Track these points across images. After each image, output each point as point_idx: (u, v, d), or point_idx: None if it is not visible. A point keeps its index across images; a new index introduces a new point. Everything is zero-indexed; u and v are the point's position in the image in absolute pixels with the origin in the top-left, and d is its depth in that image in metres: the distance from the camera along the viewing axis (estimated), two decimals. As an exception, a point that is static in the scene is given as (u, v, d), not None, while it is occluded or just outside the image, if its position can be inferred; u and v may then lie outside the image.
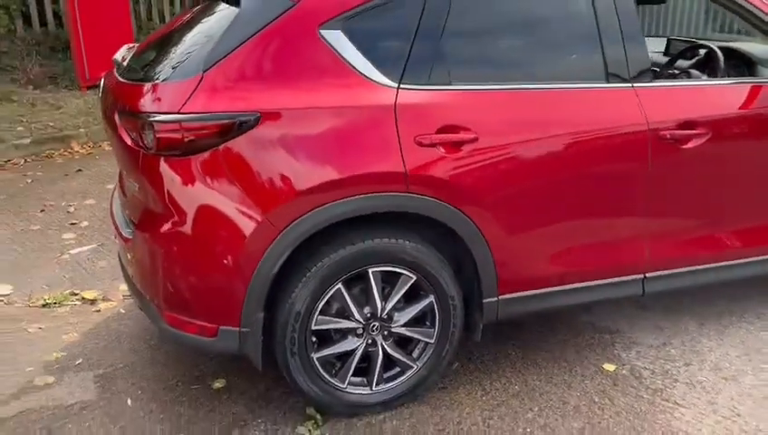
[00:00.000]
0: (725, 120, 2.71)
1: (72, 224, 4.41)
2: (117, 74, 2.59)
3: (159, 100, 2.21)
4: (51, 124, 6.21)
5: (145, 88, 2.29)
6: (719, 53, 3.07)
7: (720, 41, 3.55)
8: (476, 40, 2.48)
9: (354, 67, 2.28)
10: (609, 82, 2.56)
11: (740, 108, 2.75)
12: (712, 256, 2.86)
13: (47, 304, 3.38)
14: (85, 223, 4.42)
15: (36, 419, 2.52)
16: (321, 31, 2.27)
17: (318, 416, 2.52)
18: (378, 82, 2.29)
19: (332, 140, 2.24)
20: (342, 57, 2.27)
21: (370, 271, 2.38)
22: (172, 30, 2.73)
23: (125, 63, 2.66)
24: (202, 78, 2.18)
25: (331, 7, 2.29)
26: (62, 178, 5.34)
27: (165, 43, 2.57)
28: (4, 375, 2.78)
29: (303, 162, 2.21)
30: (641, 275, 2.78)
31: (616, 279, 2.75)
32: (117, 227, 2.63)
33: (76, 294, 3.47)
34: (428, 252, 2.43)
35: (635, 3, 2.61)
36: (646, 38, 2.72)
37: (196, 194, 2.20)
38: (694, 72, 3.11)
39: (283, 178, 2.20)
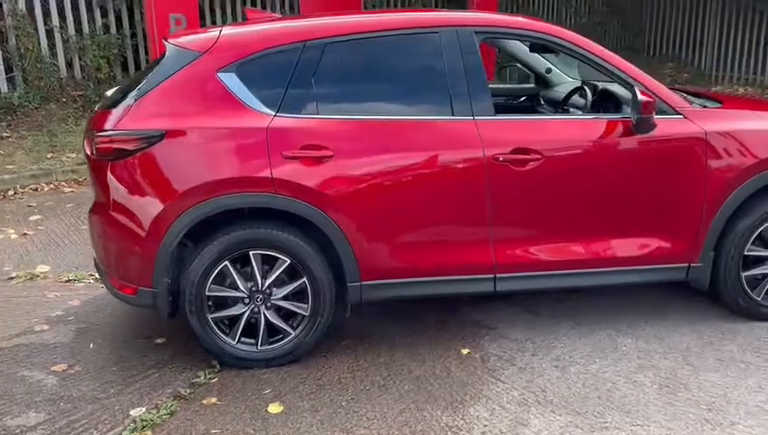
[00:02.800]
0: (560, 147, 3.24)
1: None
2: (97, 106, 3.58)
3: (103, 121, 3.15)
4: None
5: (99, 114, 3.25)
6: (587, 92, 3.60)
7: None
8: (341, 82, 3.24)
9: (242, 100, 3.11)
10: (454, 115, 3.20)
11: (574, 137, 3.28)
12: (557, 264, 3.35)
13: (69, 280, 4.41)
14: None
15: (24, 350, 3.48)
16: (219, 74, 3.12)
17: (218, 366, 3.28)
18: (259, 111, 3.10)
19: (218, 151, 3.07)
20: (233, 93, 3.11)
21: (251, 253, 3.15)
22: (138, 74, 3.70)
23: (107, 97, 3.65)
24: (131, 106, 3.09)
25: (228, 57, 3.14)
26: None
27: (130, 83, 3.52)
28: (17, 321, 3.79)
29: (194, 167, 3.06)
30: (492, 275, 3.33)
31: (468, 276, 3.33)
32: (93, 216, 3.58)
33: (92, 275, 4.48)
34: (299, 241, 3.16)
35: (480, 61, 3.24)
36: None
37: (122, 188, 3.10)
38: (573, 108, 3.66)
39: (180, 178, 3.05)
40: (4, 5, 7.36)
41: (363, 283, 3.26)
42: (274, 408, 2.94)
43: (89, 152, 3.21)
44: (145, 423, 2.83)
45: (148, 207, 3.07)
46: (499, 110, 3.43)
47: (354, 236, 3.17)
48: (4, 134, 7.29)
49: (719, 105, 3.61)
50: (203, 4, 8.82)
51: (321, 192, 3.09)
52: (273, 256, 3.18)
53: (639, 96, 3.11)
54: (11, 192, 6.32)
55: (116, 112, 3.15)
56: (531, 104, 4.57)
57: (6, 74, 7.50)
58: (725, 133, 3.31)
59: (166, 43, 3.29)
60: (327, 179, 3.10)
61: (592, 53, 3.33)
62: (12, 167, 6.70)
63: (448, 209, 3.24)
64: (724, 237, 3.43)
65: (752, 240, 3.44)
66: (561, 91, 4.37)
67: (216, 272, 3.15)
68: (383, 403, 2.96)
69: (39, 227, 5.45)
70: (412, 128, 3.20)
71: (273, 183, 3.06)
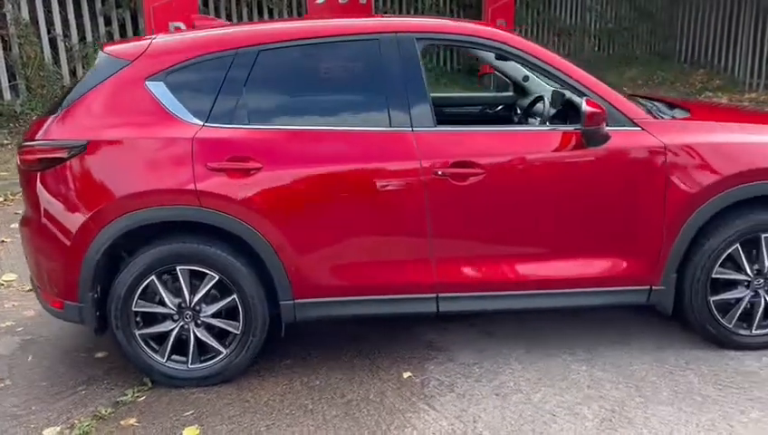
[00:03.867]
0: (505, 160, 3.04)
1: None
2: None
3: (34, 131, 3.08)
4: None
5: (34, 123, 3.18)
6: (546, 101, 3.39)
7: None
8: (274, 91, 3.11)
9: (169, 109, 3.00)
10: (391, 126, 3.03)
11: (520, 150, 3.06)
12: (504, 285, 3.14)
13: (30, 290, 4.38)
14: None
15: (-38, 361, 3.45)
16: (147, 83, 3.02)
17: (149, 383, 3.18)
18: (186, 121, 2.99)
19: (141, 163, 2.96)
20: (161, 102, 3.00)
21: (178, 268, 3.04)
22: (75, 82, 3.63)
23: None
24: (58, 116, 3.02)
25: (156, 65, 3.04)
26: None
27: (66, 91, 3.45)
28: (-34, 332, 3.77)
29: (117, 178, 2.96)
30: (434, 295, 3.14)
31: (409, 295, 3.15)
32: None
33: (55, 285, 4.43)
34: (228, 257, 3.03)
35: (421, 69, 3.07)
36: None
37: (47, 200, 3.01)
38: (532, 118, 3.45)
39: (102, 190, 2.95)
40: (8, 14, 7.47)
41: (296, 301, 3.11)
42: (190, 432, 2.81)
43: (18, 162, 3.15)
44: (54, 444, 2.74)
45: (72, 219, 2.98)
46: (465, 120, 3.25)
47: (285, 252, 3.02)
48: (5, 141, 7.39)
49: (687, 116, 3.36)
50: (205, 12, 8.84)
51: (248, 206, 2.96)
52: (203, 272, 3.06)
53: (584, 106, 2.90)
54: (1, 199, 6.37)
55: (47, 122, 3.08)
56: (507, 114, 4.37)
57: (9, 82, 7.60)
58: (687, 147, 3.06)
59: (100, 51, 3.21)
60: (255, 192, 2.96)
61: (543, 61, 3.12)
62: (6, 174, 6.77)
63: (386, 225, 3.07)
64: (689, 259, 3.17)
65: (720, 262, 3.17)
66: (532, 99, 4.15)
67: (142, 287, 3.04)
68: (303, 430, 2.80)
69: (17, 235, 5.47)
70: (346, 139, 3.04)
71: (197, 196, 2.93)
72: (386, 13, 10.79)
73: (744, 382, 3.02)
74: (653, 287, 3.19)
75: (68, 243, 2.99)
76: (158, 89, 3.02)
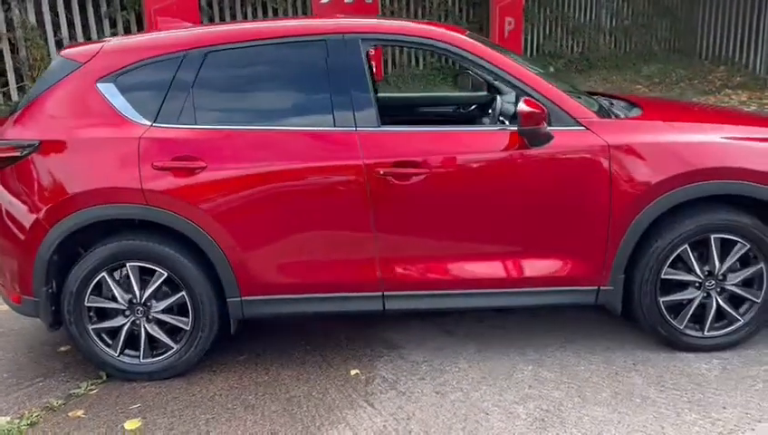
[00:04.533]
0: (447, 160, 3.05)
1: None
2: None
3: (-5, 132, 3.19)
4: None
5: (-3, 123, 3.29)
6: (498, 101, 3.39)
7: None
8: (222, 91, 3.15)
9: (119, 110, 3.08)
10: (336, 126, 3.07)
11: (463, 149, 3.07)
12: (448, 283, 3.15)
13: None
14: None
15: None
16: (98, 84, 3.10)
17: (104, 377, 3.27)
18: (135, 122, 3.07)
19: (91, 162, 3.05)
20: (111, 103, 3.09)
21: (128, 265, 3.12)
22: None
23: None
24: (14, 116, 3.12)
25: (107, 67, 3.12)
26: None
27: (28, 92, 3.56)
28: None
29: (68, 177, 3.05)
30: (380, 293, 3.17)
31: (355, 294, 3.18)
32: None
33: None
34: (176, 254, 3.10)
35: (366, 70, 3.10)
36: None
37: (3, 198, 3.12)
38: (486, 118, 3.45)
39: (53, 188, 3.05)
40: (15, 18, 7.67)
41: (244, 298, 3.16)
42: (131, 424, 2.89)
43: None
44: (1, 433, 2.84)
45: (26, 216, 3.08)
46: (431, 119, 3.22)
47: (231, 250, 3.08)
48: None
49: (638, 115, 3.33)
50: (209, 14, 8.97)
51: (193, 204, 3.02)
52: (153, 269, 3.13)
53: (520, 106, 2.89)
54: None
55: (3, 122, 3.19)
56: (481, 113, 4.35)
57: (17, 84, 7.81)
58: (631, 146, 3.03)
59: (58, 54, 3.30)
60: (200, 191, 3.02)
61: (488, 62, 3.11)
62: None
63: (330, 224, 3.10)
64: (638, 260, 3.14)
65: (669, 263, 3.14)
66: (510, 99, 4.14)
67: (94, 282, 3.13)
68: (240, 425, 2.85)
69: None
70: (291, 138, 3.08)
71: (143, 194, 3.01)
72: (393, 12, 10.80)
73: (689, 384, 2.98)
74: (601, 288, 3.17)
75: (22, 239, 3.10)
76: (109, 90, 3.10)
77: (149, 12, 7.77)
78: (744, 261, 3.18)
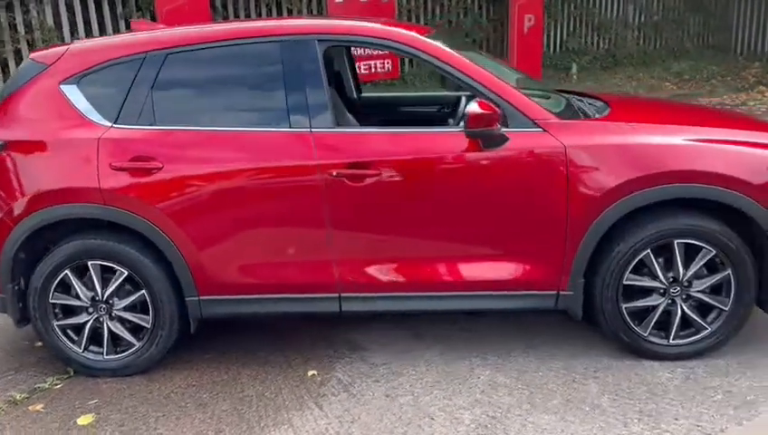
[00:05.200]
0: (401, 161, 3.02)
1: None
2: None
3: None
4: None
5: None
6: (462, 102, 3.34)
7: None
8: (181, 93, 3.20)
9: (80, 111, 3.14)
10: (291, 127, 3.07)
11: (417, 151, 3.03)
12: (405, 286, 3.12)
13: None
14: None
15: None
16: (62, 86, 3.17)
17: (71, 373, 3.34)
18: (96, 123, 3.13)
19: (52, 162, 3.13)
20: (73, 104, 3.15)
21: (89, 263, 3.18)
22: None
23: None
24: (-16, 118, 3.23)
25: (70, 69, 3.19)
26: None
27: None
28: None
29: (31, 177, 3.14)
30: (337, 295, 3.17)
31: (312, 295, 3.18)
32: None
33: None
34: (135, 253, 3.15)
35: (321, 71, 3.08)
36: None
37: (-27, 197, 3.22)
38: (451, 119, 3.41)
39: (17, 187, 3.13)
40: (33, 20, 7.90)
41: (202, 298, 3.19)
42: (84, 419, 2.95)
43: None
44: (-39, 425, 2.94)
45: (-8, 215, 3.18)
46: (414, 120, 3.18)
47: (188, 249, 3.11)
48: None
49: (603, 115, 3.24)
50: (223, 14, 9.08)
51: (149, 204, 3.06)
52: (114, 268, 3.19)
53: (469, 108, 2.85)
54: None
55: (-24, 123, 3.29)
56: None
57: (36, 83, 8.05)
58: (589, 149, 2.95)
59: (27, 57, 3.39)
60: (156, 191, 3.06)
61: (441, 60, 3.07)
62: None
63: (286, 225, 3.11)
64: (599, 264, 3.06)
65: (631, 268, 3.05)
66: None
67: (57, 280, 3.20)
68: (188, 423, 2.89)
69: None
70: (246, 139, 3.09)
71: (101, 194, 3.07)
72: (410, 11, 10.76)
73: (645, 394, 2.90)
74: (560, 292, 3.10)
75: (-12, 238, 3.20)
76: (72, 92, 3.16)
77: (161, 12, 7.91)
78: (712, 268, 3.08)
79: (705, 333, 3.12)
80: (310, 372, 3.24)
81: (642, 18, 13.46)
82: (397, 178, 3.03)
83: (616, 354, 3.22)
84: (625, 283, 3.07)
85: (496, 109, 2.89)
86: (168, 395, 3.12)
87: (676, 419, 2.71)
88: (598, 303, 3.10)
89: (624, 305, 3.10)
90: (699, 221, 3.00)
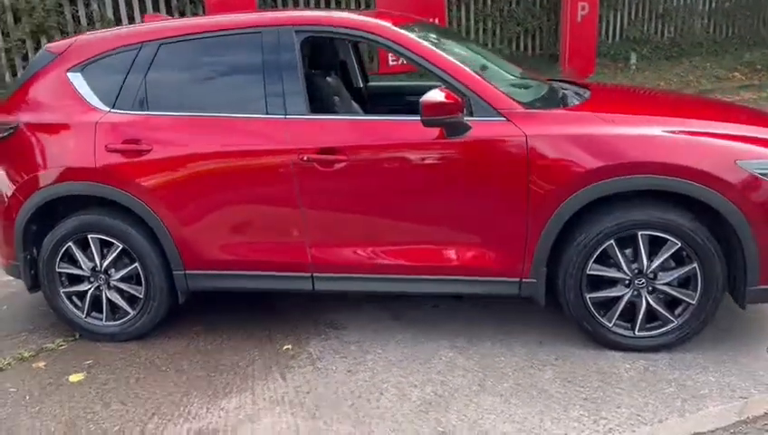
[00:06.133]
0: (367, 148, 3.14)
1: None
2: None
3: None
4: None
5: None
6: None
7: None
8: (170, 81, 3.42)
9: (84, 97, 3.44)
10: (268, 113, 3.25)
11: (382, 138, 3.15)
12: (373, 268, 3.25)
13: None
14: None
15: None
16: (68, 73, 3.47)
17: (77, 336, 3.67)
18: (96, 108, 3.41)
19: (58, 143, 3.44)
20: (78, 90, 3.45)
21: (89, 236, 3.48)
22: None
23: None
24: (5, 101, 3.57)
25: (75, 57, 3.49)
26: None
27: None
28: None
29: (39, 156, 3.45)
30: (309, 274, 3.34)
31: (287, 273, 3.36)
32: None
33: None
34: (129, 228, 3.42)
35: (298, 60, 3.24)
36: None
37: (-7, 173, 3.58)
38: None
39: (28, 165, 3.47)
40: (94, 13, 8.44)
41: (187, 272, 3.44)
42: (75, 377, 3.25)
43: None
44: (-28, 375, 3.30)
45: (8, 189, 3.52)
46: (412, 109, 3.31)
47: (173, 226, 3.36)
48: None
49: (576, 104, 3.24)
50: (272, 5, 9.36)
51: (138, 183, 3.32)
52: (111, 241, 3.48)
53: (424, 97, 2.93)
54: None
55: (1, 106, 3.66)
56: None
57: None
58: (550, 138, 2.98)
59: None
60: (144, 172, 3.32)
61: (411, 51, 3.16)
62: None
63: (261, 207, 3.30)
64: (562, 253, 3.09)
65: (595, 258, 3.06)
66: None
67: (62, 250, 3.52)
68: (163, 387, 3.13)
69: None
70: (226, 125, 3.29)
71: (97, 173, 3.35)
72: (458, 4, 10.73)
73: (597, 382, 2.92)
74: (523, 280, 3.15)
75: (5, 210, 3.55)
76: (77, 79, 3.46)
77: (209, 4, 8.27)
78: (678, 260, 3.05)
79: (671, 326, 3.10)
80: (285, 347, 3.43)
81: (712, 5, 12.86)
82: (362, 165, 3.15)
83: (582, 344, 3.24)
84: (589, 273, 3.08)
85: (458, 98, 2.96)
86: (153, 360, 3.39)
87: (619, 407, 2.73)
88: (561, 291, 3.13)
89: (589, 295, 3.12)
90: (663, 213, 2.98)
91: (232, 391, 3.05)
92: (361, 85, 4.60)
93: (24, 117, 3.50)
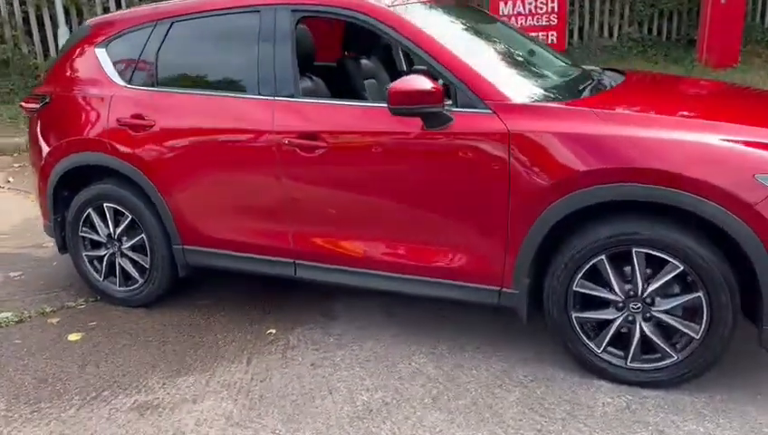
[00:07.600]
0: (346, 134, 3.00)
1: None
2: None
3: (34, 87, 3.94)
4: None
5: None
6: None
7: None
8: (176, 59, 3.47)
9: (106, 72, 3.60)
10: (260, 94, 3.19)
11: (362, 125, 2.97)
12: (353, 261, 3.11)
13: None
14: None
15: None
16: (95, 49, 3.65)
17: (98, 297, 3.89)
18: (115, 82, 3.56)
19: (81, 114, 3.62)
20: (101, 65, 3.61)
21: (105, 205, 3.66)
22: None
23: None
24: (45, 74, 3.83)
25: (101, 34, 3.65)
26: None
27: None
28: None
29: (66, 126, 3.67)
30: (292, 260, 3.27)
31: (272, 258, 3.32)
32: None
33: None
34: (136, 199, 3.55)
35: (291, 40, 3.15)
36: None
37: (36, 139, 3.85)
38: None
39: (57, 133, 3.71)
40: (123, 2, 8.88)
41: (185, 246, 3.51)
42: (74, 336, 3.45)
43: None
44: (-3, 322, 3.61)
45: (42, 154, 3.78)
46: None
47: (171, 200, 3.43)
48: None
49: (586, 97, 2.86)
50: None
51: (141, 157, 3.42)
52: (123, 211, 3.63)
53: (392, 84, 2.71)
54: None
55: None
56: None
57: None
58: (536, 134, 2.64)
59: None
60: (146, 146, 3.41)
61: (399, 33, 2.94)
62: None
63: (249, 188, 3.27)
64: (546, 265, 2.76)
65: (583, 274, 2.70)
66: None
67: (84, 216, 3.73)
68: (140, 356, 3.22)
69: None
70: (219, 104, 3.28)
71: (109, 145, 3.50)
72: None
73: (562, 414, 2.59)
74: (503, 289, 2.86)
75: (39, 175, 3.82)
76: (102, 54, 3.63)
77: None
78: (683, 286, 2.60)
79: (671, 361, 2.67)
80: (268, 331, 3.40)
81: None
82: (340, 153, 3.01)
83: (570, 368, 2.89)
84: (575, 289, 2.73)
85: (437, 87, 2.72)
86: (146, 330, 3.50)
87: (568, 445, 2.40)
88: (545, 306, 2.81)
89: (575, 314, 2.77)
90: (664, 230, 2.55)
91: (196, 369, 3.08)
92: (405, 68, 4.41)
93: (56, 88, 3.73)
